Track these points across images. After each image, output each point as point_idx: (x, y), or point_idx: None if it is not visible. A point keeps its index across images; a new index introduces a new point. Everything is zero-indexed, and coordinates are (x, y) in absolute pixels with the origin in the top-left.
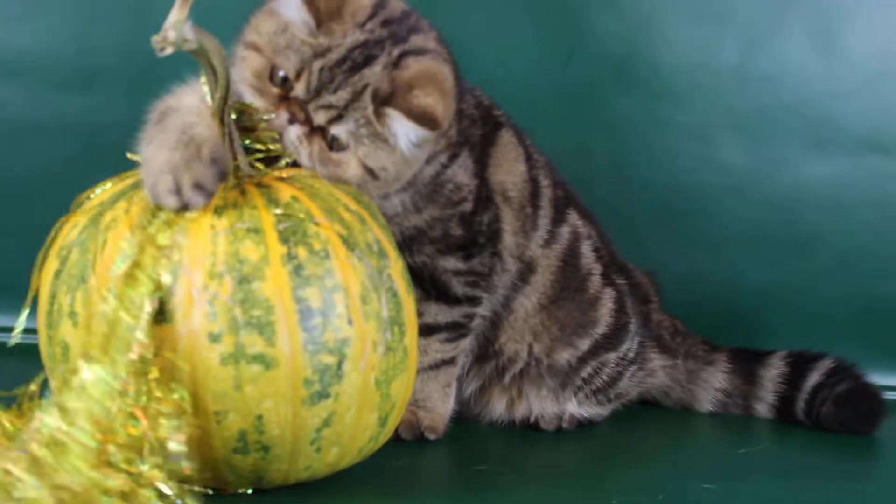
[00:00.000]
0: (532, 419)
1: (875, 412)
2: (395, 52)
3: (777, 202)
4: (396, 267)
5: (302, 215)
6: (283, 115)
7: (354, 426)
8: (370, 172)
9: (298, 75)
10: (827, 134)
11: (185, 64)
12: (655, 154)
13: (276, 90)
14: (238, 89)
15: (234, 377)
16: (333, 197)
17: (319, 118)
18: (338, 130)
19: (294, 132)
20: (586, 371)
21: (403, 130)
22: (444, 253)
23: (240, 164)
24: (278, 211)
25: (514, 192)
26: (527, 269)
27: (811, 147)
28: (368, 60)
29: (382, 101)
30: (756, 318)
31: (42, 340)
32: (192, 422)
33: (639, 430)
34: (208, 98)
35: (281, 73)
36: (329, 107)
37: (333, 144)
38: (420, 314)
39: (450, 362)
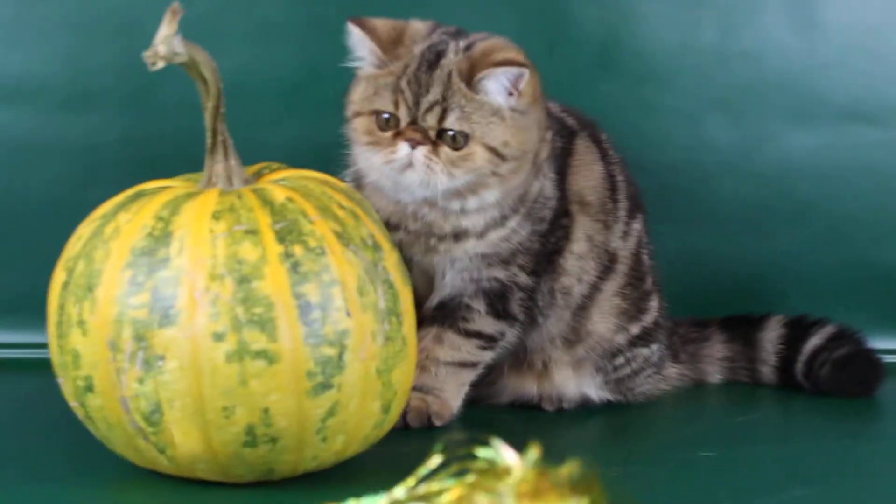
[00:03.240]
0: (535, 399)
1: (873, 376)
2: (462, 43)
3: (766, 176)
4: (391, 259)
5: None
6: (403, 146)
7: (358, 415)
8: (496, 154)
9: (397, 105)
10: (810, 107)
11: (178, 79)
12: (644, 137)
13: (388, 134)
14: (359, 166)
15: (240, 373)
16: (327, 195)
17: (430, 121)
18: (450, 122)
19: (420, 153)
20: (620, 359)
21: (497, 85)
22: (522, 268)
23: (234, 169)
24: (278, 226)
25: (591, 196)
26: (610, 260)
27: (795, 120)
28: (440, 55)
29: (469, 74)
30: (755, 290)
31: (53, 350)
32: None
33: (638, 406)
34: None
35: (385, 116)
36: (431, 106)
37: (455, 143)
38: (470, 321)
39: (474, 366)
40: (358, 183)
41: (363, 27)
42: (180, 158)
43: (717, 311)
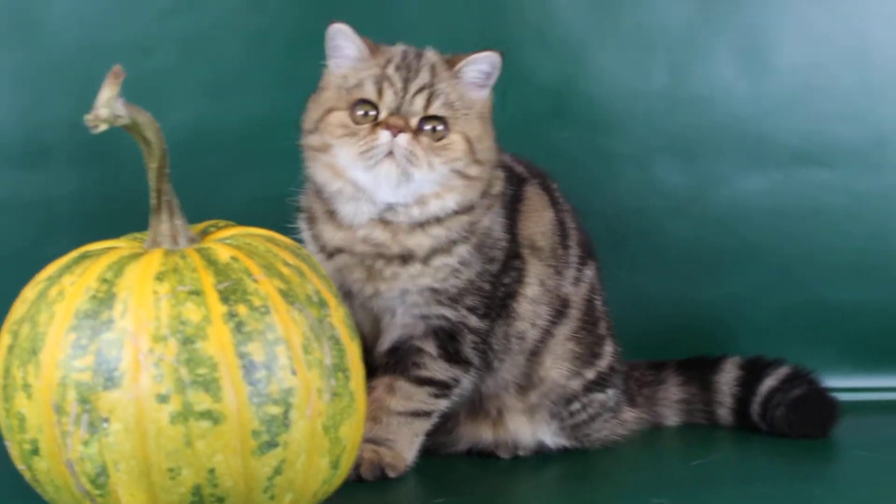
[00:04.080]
0: (491, 446)
1: (828, 416)
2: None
3: (717, 218)
4: (337, 314)
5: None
6: (384, 134)
7: (306, 472)
8: (471, 147)
9: (380, 93)
10: (760, 149)
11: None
12: (596, 182)
13: (365, 124)
14: (318, 180)
15: (185, 434)
16: (272, 253)
17: (417, 105)
18: (436, 107)
19: (403, 139)
20: (576, 405)
21: (476, 73)
22: (473, 310)
23: (179, 229)
24: (222, 286)
25: (542, 241)
26: (563, 305)
27: (745, 163)
28: (420, 53)
29: (451, 62)
30: (708, 331)
31: None
32: None
33: (594, 452)
34: None
35: (363, 103)
36: (420, 89)
37: (434, 134)
38: (422, 367)
39: (426, 415)
40: (318, 196)
41: (350, 28)
42: (134, 213)
43: (671, 353)
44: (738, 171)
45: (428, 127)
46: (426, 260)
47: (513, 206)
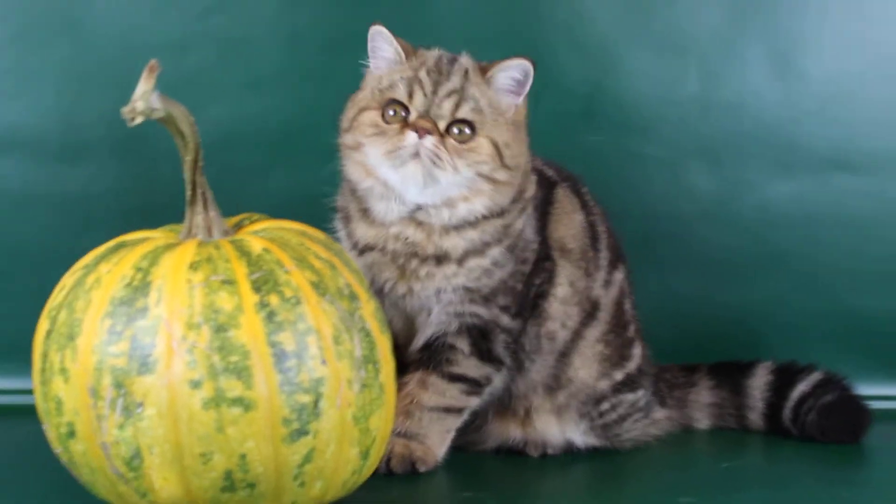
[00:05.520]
0: (520, 444)
1: (859, 423)
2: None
3: (746, 223)
4: (368, 308)
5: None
6: (411, 135)
7: (336, 461)
8: (498, 152)
9: (411, 95)
10: (789, 156)
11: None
12: (627, 185)
13: (396, 124)
14: (352, 178)
15: (216, 420)
16: (304, 246)
17: (445, 109)
18: (464, 111)
19: (429, 141)
20: (605, 405)
21: (507, 80)
22: (505, 309)
23: (213, 221)
24: (254, 276)
25: (572, 243)
26: (592, 307)
27: (775, 169)
28: (455, 58)
29: (484, 69)
30: (737, 336)
31: (37, 397)
32: None
33: (622, 452)
34: None
35: (394, 103)
36: (450, 93)
37: (461, 137)
38: (454, 363)
39: (458, 412)
40: (352, 195)
41: (388, 30)
42: (171, 207)
43: (700, 357)
44: (768, 177)
45: (455, 130)
46: (461, 261)
47: (543, 209)
